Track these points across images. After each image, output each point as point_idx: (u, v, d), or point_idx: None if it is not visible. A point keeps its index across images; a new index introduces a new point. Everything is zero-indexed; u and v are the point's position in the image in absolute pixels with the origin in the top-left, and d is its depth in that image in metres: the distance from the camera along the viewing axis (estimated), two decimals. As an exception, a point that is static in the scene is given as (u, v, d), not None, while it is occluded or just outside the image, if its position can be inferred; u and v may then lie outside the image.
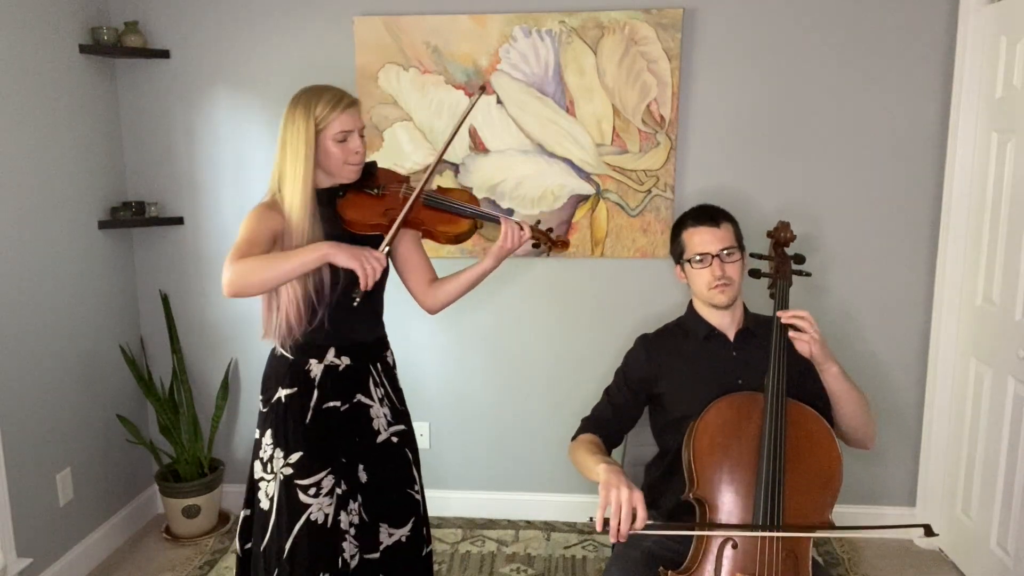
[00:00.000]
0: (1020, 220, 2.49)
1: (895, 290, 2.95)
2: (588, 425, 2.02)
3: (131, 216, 3.02)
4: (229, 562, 2.95)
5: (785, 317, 1.81)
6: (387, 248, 1.84)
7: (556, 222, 2.97)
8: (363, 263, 1.74)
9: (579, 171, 2.94)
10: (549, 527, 3.18)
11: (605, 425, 2.00)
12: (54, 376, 2.74)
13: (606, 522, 1.58)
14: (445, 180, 2.97)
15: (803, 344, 1.79)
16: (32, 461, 2.62)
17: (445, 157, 2.96)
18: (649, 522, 1.60)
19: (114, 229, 3.03)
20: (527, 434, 3.19)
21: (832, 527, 1.72)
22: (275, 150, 1.93)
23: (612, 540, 1.59)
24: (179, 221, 3.14)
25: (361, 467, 2.04)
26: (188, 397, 3.12)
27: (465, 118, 2.03)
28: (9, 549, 2.49)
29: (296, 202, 1.86)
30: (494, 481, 3.25)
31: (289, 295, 1.90)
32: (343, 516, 2.00)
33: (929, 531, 1.64)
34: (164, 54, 3.01)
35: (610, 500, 1.60)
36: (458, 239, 1.98)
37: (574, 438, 1.99)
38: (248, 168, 3.08)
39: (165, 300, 3.13)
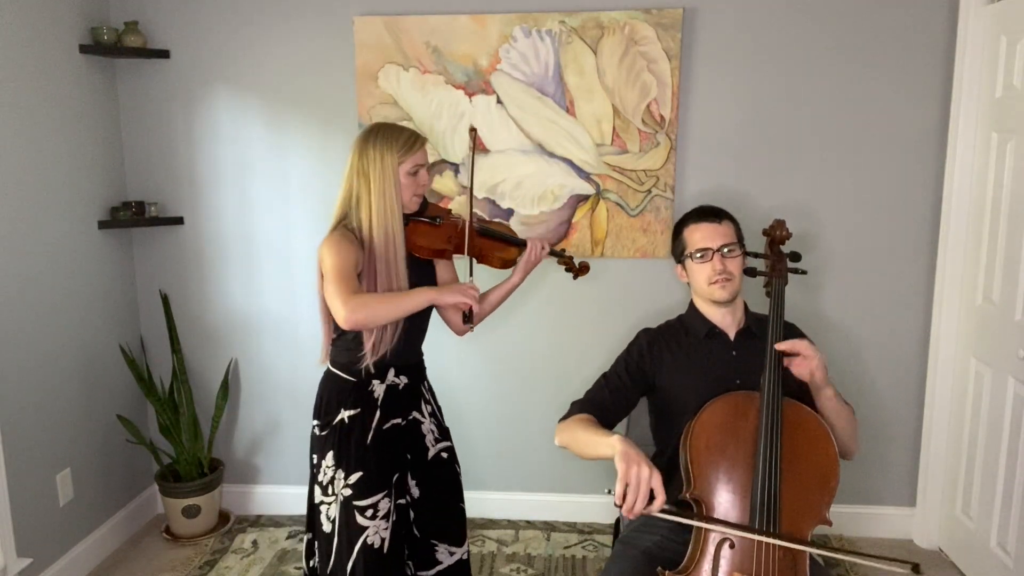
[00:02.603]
0: (1020, 220, 2.48)
1: (895, 289, 2.95)
2: (581, 406, 1.97)
3: (131, 216, 3.03)
4: (229, 562, 2.95)
5: (783, 347, 1.79)
6: (471, 278, 2.05)
7: (556, 222, 2.97)
8: (466, 294, 1.95)
9: (579, 171, 2.94)
10: (549, 527, 3.18)
11: (600, 407, 1.95)
12: (54, 376, 2.74)
13: (625, 496, 1.55)
14: (446, 180, 2.98)
15: (803, 369, 1.78)
16: (32, 461, 2.63)
17: (445, 157, 2.97)
18: (665, 506, 1.57)
19: (114, 229, 3.04)
20: (527, 434, 3.18)
21: (830, 525, 1.72)
22: (347, 180, 2.02)
23: (625, 515, 1.57)
24: (179, 221, 3.14)
25: (413, 482, 2.13)
26: (188, 397, 3.13)
27: (473, 162, 2.21)
28: (9, 549, 2.49)
29: (395, 226, 1.99)
30: (494, 481, 3.25)
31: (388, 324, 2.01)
32: (400, 527, 2.08)
33: (916, 570, 1.59)
34: (164, 54, 3.01)
35: (630, 477, 1.56)
36: (507, 264, 2.19)
37: (563, 419, 1.94)
38: (248, 168, 3.08)
39: (165, 300, 3.13)
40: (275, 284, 3.16)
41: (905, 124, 2.84)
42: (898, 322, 2.97)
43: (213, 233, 3.14)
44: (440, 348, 3.14)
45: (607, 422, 1.94)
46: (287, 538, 3.12)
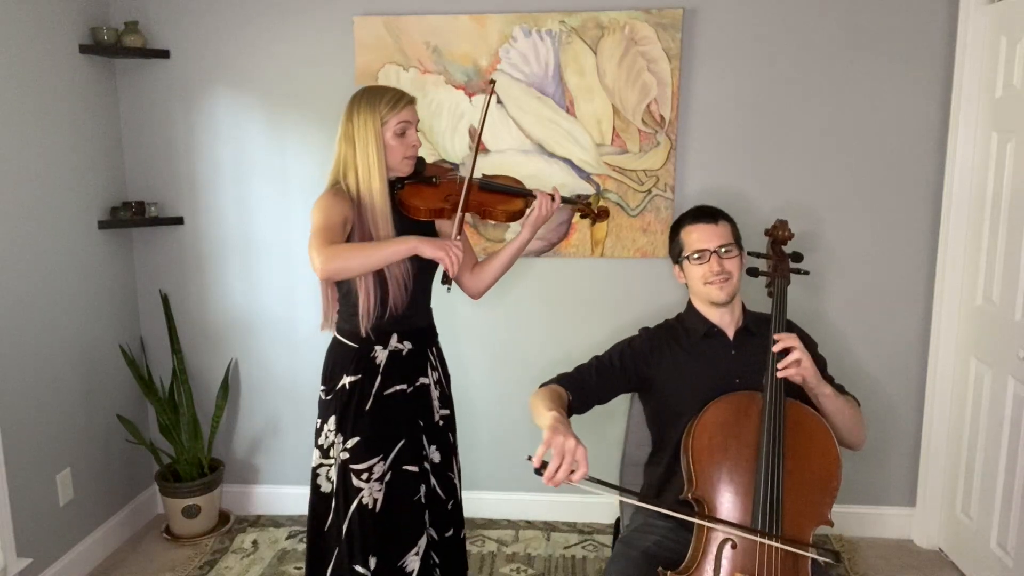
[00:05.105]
0: (1020, 220, 2.48)
1: (895, 289, 2.95)
2: (562, 380, 1.96)
3: (131, 216, 3.03)
4: (229, 562, 2.95)
5: (778, 349, 1.79)
6: (459, 236, 1.97)
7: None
8: (448, 252, 1.86)
9: (579, 171, 2.94)
10: (549, 527, 3.18)
11: (580, 386, 1.95)
12: (54, 376, 2.74)
13: (544, 465, 1.56)
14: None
15: (793, 373, 1.78)
16: (32, 461, 2.63)
17: (445, 157, 2.97)
18: (592, 476, 1.57)
19: (114, 229, 3.04)
20: (527, 434, 3.18)
21: (831, 526, 1.73)
22: (337, 146, 2.04)
23: (545, 483, 1.57)
24: (179, 221, 3.14)
25: (433, 447, 2.15)
26: (188, 397, 3.12)
27: (486, 111, 2.17)
28: (9, 549, 2.49)
29: (376, 187, 1.98)
30: (494, 481, 3.24)
31: (366, 284, 1.99)
32: (422, 490, 2.10)
33: None
34: (164, 54, 3.01)
35: (553, 443, 1.58)
36: (514, 216, 2.13)
37: (543, 385, 1.94)
38: (248, 168, 3.08)
39: (165, 300, 3.13)
40: (275, 284, 3.16)
41: (905, 124, 2.83)
42: (898, 322, 2.97)
43: (213, 233, 3.14)
44: (440, 348, 3.15)
45: (584, 402, 1.95)
46: (287, 538, 3.12)
